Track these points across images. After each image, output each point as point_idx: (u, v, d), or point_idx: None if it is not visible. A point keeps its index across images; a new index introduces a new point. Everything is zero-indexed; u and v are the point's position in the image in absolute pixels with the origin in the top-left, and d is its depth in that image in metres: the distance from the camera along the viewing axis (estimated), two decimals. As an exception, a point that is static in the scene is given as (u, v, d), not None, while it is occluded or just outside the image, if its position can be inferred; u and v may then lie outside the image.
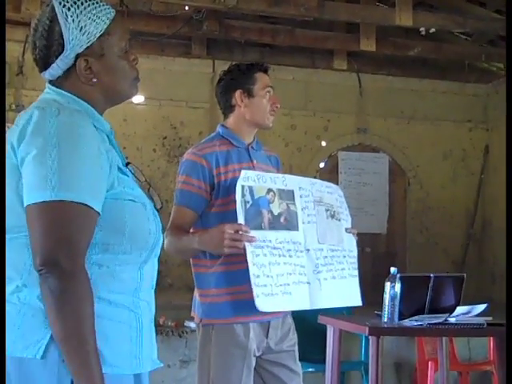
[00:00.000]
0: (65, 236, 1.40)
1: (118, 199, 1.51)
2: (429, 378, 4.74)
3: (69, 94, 1.58)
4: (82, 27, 1.54)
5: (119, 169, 1.55)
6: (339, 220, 2.71)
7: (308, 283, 2.51)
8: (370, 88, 7.58)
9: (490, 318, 3.45)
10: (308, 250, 2.54)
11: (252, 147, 2.68)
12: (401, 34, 6.87)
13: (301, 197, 2.57)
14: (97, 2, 1.58)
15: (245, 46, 6.96)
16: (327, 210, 2.67)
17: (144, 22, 6.29)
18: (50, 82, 1.62)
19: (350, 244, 2.74)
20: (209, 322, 2.54)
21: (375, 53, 6.71)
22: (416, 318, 3.36)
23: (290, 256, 2.47)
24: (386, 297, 3.31)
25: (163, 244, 1.67)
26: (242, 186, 2.39)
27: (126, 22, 5.69)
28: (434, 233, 7.66)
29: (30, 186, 1.42)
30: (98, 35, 1.57)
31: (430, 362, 4.74)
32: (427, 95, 7.73)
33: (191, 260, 2.63)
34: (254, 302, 2.43)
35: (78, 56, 1.56)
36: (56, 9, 1.55)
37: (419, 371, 4.91)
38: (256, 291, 2.32)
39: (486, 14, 6.51)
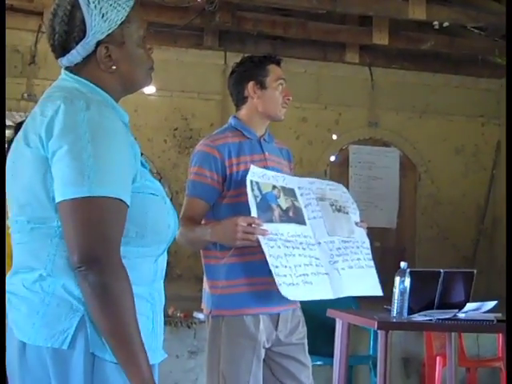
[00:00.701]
0: (102, 232, 1.40)
1: (140, 193, 1.51)
2: (437, 374, 4.74)
3: (88, 83, 1.57)
4: (103, 14, 1.54)
5: (141, 162, 1.56)
6: (347, 213, 2.71)
7: (327, 274, 2.51)
8: (381, 82, 7.55)
9: (500, 315, 3.44)
10: (319, 243, 2.55)
11: (264, 139, 2.69)
12: (414, 28, 6.83)
13: (301, 195, 2.58)
14: None
15: (257, 38, 6.93)
16: (332, 205, 2.67)
17: (156, 12, 6.27)
18: (67, 68, 1.61)
19: (362, 236, 2.74)
20: (218, 314, 2.55)
21: (388, 46, 6.68)
22: (425, 313, 3.36)
23: (304, 249, 2.47)
24: (396, 291, 3.31)
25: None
26: (251, 181, 2.40)
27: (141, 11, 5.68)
28: (445, 228, 7.62)
29: (64, 182, 1.41)
30: (119, 22, 1.56)
31: (438, 358, 4.74)
32: (439, 89, 7.68)
33: (201, 251, 2.64)
34: (264, 293, 2.45)
35: (98, 43, 1.56)
36: None
37: (427, 366, 4.91)
38: (278, 280, 2.32)
39: (500, 9, 6.45)
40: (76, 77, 1.58)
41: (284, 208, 2.47)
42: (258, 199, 2.39)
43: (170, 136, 7.07)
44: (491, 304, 3.52)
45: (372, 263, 2.73)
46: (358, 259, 2.66)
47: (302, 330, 2.68)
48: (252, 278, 2.48)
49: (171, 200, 1.66)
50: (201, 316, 4.72)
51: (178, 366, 4.79)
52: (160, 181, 1.68)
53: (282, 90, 2.67)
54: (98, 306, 1.38)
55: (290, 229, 2.45)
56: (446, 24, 6.36)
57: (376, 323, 3.29)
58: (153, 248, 1.54)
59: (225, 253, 2.50)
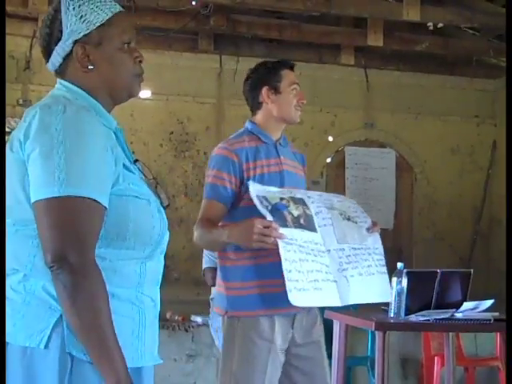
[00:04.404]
0: (73, 231, 1.42)
1: (123, 195, 1.52)
2: (435, 374, 4.74)
3: (77, 89, 1.60)
4: (82, 16, 1.59)
5: (125, 166, 1.57)
6: (356, 222, 2.72)
7: (335, 281, 2.52)
8: (377, 83, 7.56)
9: (497, 314, 3.45)
10: (329, 250, 2.56)
11: (280, 143, 2.74)
12: (408, 29, 6.85)
13: (312, 203, 2.60)
14: None
15: (252, 41, 6.95)
16: (341, 214, 2.69)
17: (151, 16, 6.29)
18: (57, 75, 1.65)
19: (375, 242, 2.74)
20: (234, 315, 2.58)
21: (382, 48, 6.69)
22: (422, 313, 3.37)
23: (315, 255, 2.49)
24: (393, 292, 3.31)
25: (169, 240, 1.67)
26: (257, 196, 2.43)
27: (133, 18, 5.68)
28: (441, 228, 7.63)
29: (36, 183, 1.44)
30: (97, 25, 1.60)
31: (436, 358, 4.74)
32: (435, 90, 7.69)
33: (217, 253, 2.68)
34: (279, 295, 2.43)
35: (75, 43, 1.60)
36: (62, 0, 1.60)
37: (425, 367, 4.91)
38: (289, 286, 2.34)
39: (494, 9, 6.47)
40: (68, 85, 1.61)
41: (295, 215, 2.49)
42: (269, 208, 2.42)
43: (166, 140, 7.07)
44: (488, 303, 3.53)
45: (384, 269, 2.73)
46: (369, 266, 2.66)
47: (319, 329, 2.70)
48: (268, 279, 2.51)
49: (167, 206, 1.66)
50: (198, 319, 4.72)
51: (176, 369, 4.78)
52: (156, 187, 1.69)
53: (295, 94, 2.73)
54: (69, 305, 1.40)
55: (302, 235, 2.47)
56: (440, 25, 6.38)
57: (373, 324, 3.30)
58: (137, 250, 1.54)
59: (239, 254, 2.54)
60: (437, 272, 3.46)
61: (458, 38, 7.09)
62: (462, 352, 4.88)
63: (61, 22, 1.59)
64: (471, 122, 7.84)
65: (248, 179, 2.56)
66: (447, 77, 7.68)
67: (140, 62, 1.68)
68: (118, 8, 1.65)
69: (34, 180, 1.45)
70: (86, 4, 1.59)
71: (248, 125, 2.74)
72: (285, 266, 2.34)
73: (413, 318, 3.35)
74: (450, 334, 4.10)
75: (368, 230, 2.73)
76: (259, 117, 2.74)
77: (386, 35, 6.49)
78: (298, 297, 2.36)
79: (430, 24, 6.34)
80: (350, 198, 2.89)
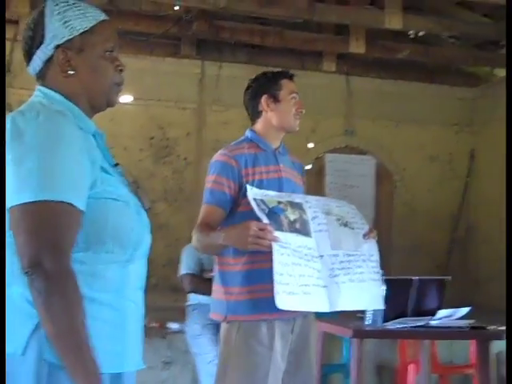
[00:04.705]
0: (48, 237, 1.41)
1: (100, 198, 1.52)
2: (410, 381, 4.74)
3: (53, 93, 1.60)
4: (66, 21, 1.59)
5: (103, 169, 1.56)
6: (353, 229, 2.72)
7: (325, 287, 2.53)
8: (358, 90, 7.60)
9: (473, 321, 3.47)
10: (322, 256, 2.57)
11: (279, 151, 2.78)
12: (390, 37, 6.89)
13: (310, 208, 2.61)
14: (89, 6, 1.63)
15: (234, 46, 6.97)
16: (338, 220, 2.69)
17: (133, 21, 6.29)
18: (38, 80, 1.64)
19: (370, 249, 2.74)
20: (234, 319, 2.57)
21: (364, 55, 6.74)
22: (399, 320, 3.37)
23: (308, 260, 2.51)
24: (369, 299, 3.31)
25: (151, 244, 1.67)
26: (254, 199, 2.45)
27: (116, 23, 5.68)
28: (419, 236, 7.65)
29: (10, 189, 1.43)
30: (80, 31, 1.60)
31: (411, 365, 4.74)
32: (415, 98, 7.74)
33: (216, 258, 2.69)
34: None
35: (57, 48, 1.60)
36: (47, 4, 1.61)
37: (400, 374, 4.91)
38: (277, 288, 2.34)
39: (474, 18, 6.54)
40: (45, 90, 1.61)
41: (292, 219, 2.51)
42: (266, 211, 2.44)
43: (147, 145, 7.05)
44: (464, 310, 3.54)
45: (377, 276, 2.73)
46: (362, 273, 2.66)
47: (314, 334, 2.72)
48: (267, 284, 2.46)
49: (149, 209, 1.65)
50: (175, 326, 4.70)
51: (151, 376, 4.73)
52: (137, 190, 1.68)
53: (294, 103, 2.78)
54: (44, 311, 1.39)
55: (297, 239, 2.49)
56: (421, 33, 6.43)
57: (351, 332, 3.30)
58: (117, 254, 1.54)
59: (237, 259, 2.56)
60: (413, 279, 3.48)
61: (439, 46, 7.15)
62: (436, 359, 4.89)
63: (44, 26, 1.59)
64: (450, 130, 7.90)
65: (247, 184, 2.58)
66: (427, 85, 7.74)
67: (121, 70, 1.68)
68: (103, 16, 1.66)
69: (8, 187, 1.44)
70: (71, 10, 1.60)
71: (248, 133, 2.79)
72: (277, 268, 2.35)
73: (389, 325, 3.36)
74: (426, 341, 4.12)
75: (364, 236, 2.74)
76: (259, 125, 2.78)
77: (367, 43, 6.54)
78: (286, 300, 2.37)
79: (410, 32, 6.40)
80: (352, 205, 2.87)
